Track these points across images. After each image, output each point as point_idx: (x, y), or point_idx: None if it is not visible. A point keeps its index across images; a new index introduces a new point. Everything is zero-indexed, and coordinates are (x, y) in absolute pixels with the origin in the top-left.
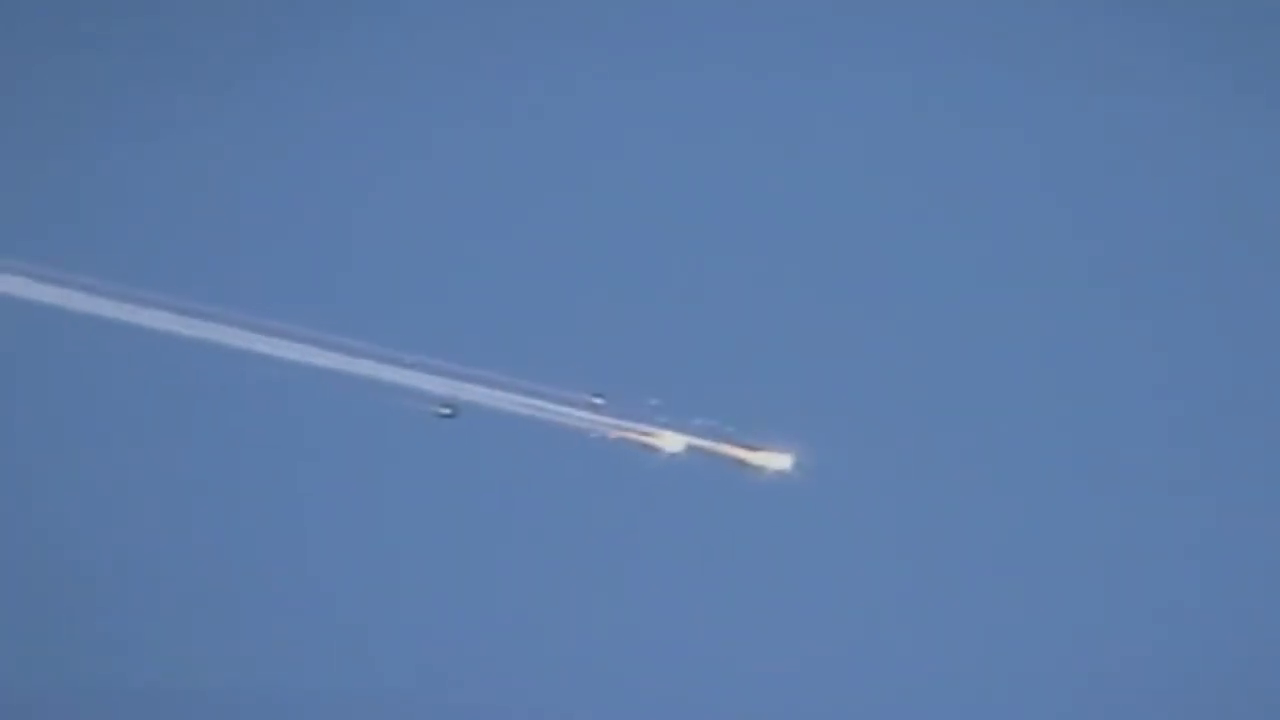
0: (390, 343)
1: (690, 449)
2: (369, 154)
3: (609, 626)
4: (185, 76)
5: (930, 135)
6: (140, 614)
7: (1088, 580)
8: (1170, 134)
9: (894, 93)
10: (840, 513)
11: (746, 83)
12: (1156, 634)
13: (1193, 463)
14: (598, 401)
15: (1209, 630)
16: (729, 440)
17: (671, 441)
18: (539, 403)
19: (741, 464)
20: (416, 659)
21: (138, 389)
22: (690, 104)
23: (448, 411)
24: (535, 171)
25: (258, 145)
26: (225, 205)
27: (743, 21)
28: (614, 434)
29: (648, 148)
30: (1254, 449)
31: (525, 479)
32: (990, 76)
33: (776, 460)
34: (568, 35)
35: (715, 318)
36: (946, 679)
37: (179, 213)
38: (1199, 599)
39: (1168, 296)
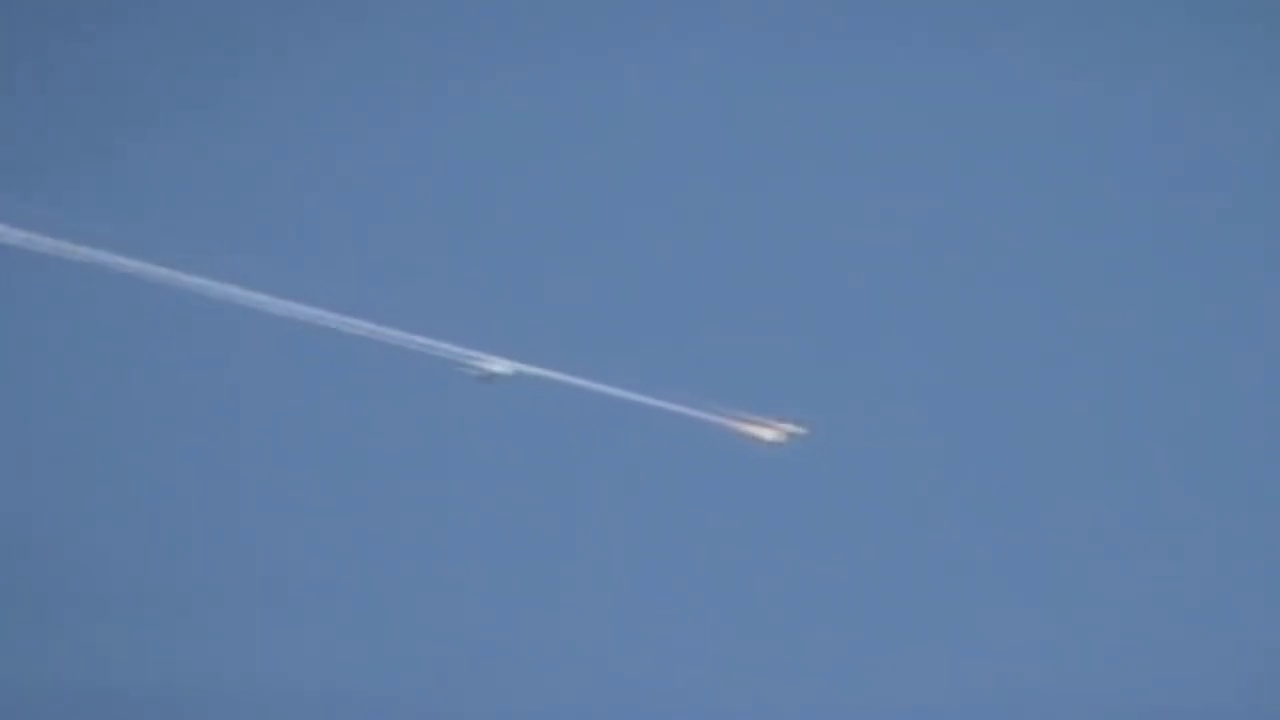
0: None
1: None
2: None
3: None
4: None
5: (939, 124)
6: (143, 614)
7: (1091, 565)
8: (1180, 127)
9: (905, 81)
10: (842, 488)
11: (759, 78)
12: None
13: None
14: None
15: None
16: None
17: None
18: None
19: (743, 435)
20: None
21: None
22: (717, 94)
23: (486, 376)
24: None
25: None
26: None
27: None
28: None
29: (676, 142)
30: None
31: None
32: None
33: (779, 431)
34: (583, 31)
35: (726, 303)
36: (946, 660)
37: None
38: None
39: (1173, 277)
